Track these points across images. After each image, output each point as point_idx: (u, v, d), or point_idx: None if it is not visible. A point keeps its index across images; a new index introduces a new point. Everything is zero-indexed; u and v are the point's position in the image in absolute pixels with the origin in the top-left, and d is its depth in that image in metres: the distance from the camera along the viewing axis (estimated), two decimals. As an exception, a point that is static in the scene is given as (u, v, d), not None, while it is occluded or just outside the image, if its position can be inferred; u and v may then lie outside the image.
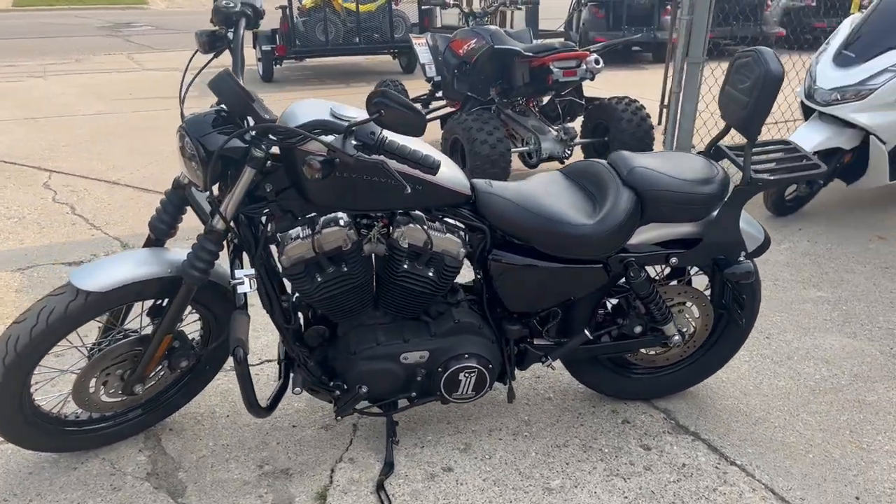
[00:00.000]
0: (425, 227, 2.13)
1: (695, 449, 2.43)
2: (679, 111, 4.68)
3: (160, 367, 2.29)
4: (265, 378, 2.84)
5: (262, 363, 2.95)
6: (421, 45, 5.98)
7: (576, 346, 2.38)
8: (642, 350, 2.53)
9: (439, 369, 2.26)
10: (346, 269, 2.15)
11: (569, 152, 5.18)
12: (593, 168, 2.36)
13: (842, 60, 4.21)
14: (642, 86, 8.57)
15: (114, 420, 2.40)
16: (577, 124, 5.52)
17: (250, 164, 1.94)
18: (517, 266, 2.23)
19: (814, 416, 2.60)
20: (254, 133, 1.90)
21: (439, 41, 5.94)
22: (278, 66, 10.22)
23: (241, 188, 1.97)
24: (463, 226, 2.22)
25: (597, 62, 4.98)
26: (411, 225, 2.12)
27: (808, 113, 4.50)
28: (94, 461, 2.37)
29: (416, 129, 1.78)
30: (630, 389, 2.64)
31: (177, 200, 2.20)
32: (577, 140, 5.23)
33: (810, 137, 4.21)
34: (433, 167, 1.85)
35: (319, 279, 2.12)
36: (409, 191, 1.84)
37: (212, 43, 2.14)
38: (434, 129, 6.83)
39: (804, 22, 12.55)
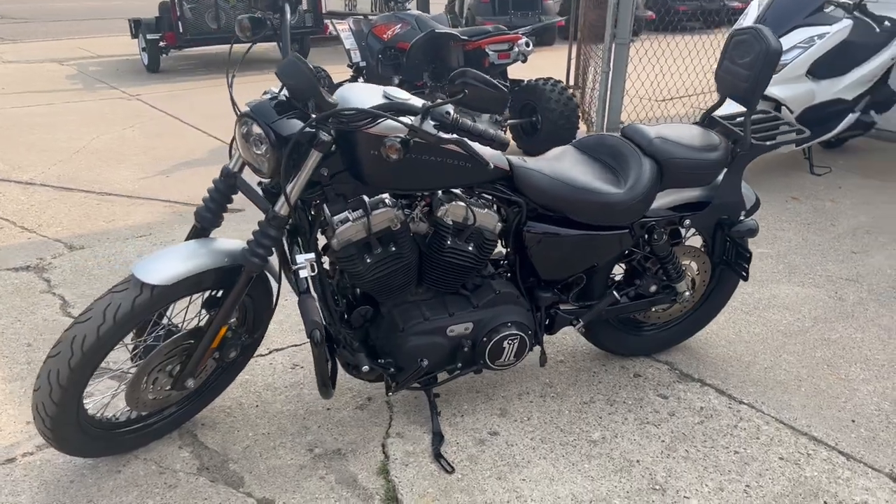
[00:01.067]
0: (468, 203, 2.23)
1: (705, 393, 2.68)
2: (609, 90, 4.96)
3: (211, 359, 2.26)
4: (280, 367, 2.83)
5: (270, 353, 2.93)
6: (344, 31, 5.96)
7: (604, 307, 2.56)
8: (651, 308, 2.74)
9: (483, 339, 2.37)
10: (394, 248, 2.21)
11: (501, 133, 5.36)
12: (608, 141, 2.53)
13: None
14: (537, 69, 8.89)
15: (152, 418, 2.34)
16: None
17: (318, 148, 1.96)
18: (551, 236, 2.37)
19: (793, 356, 2.92)
20: (343, 116, 1.92)
21: (363, 26, 5.94)
22: (165, 55, 9.77)
23: (306, 172, 1.99)
24: (499, 200, 2.33)
25: (527, 45, 5.18)
26: (455, 202, 2.21)
27: (723, 87, 4.89)
28: (135, 463, 2.30)
29: (500, 106, 1.87)
30: (636, 346, 2.86)
31: (225, 189, 2.17)
32: (509, 121, 5.42)
33: (729, 110, 4.59)
34: (504, 144, 1.95)
35: (369, 260, 2.18)
36: (491, 167, 1.93)
37: (255, 29, 2.14)
38: None
39: (669, 5, 13.39)
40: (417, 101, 2.00)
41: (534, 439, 2.43)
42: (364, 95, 2.08)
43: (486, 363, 2.41)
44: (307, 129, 1.92)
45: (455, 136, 1.92)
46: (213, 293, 2.19)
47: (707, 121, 2.68)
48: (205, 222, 2.19)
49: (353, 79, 6.24)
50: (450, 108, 1.96)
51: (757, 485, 2.22)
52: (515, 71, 6.21)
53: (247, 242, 2.10)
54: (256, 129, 1.96)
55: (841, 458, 2.34)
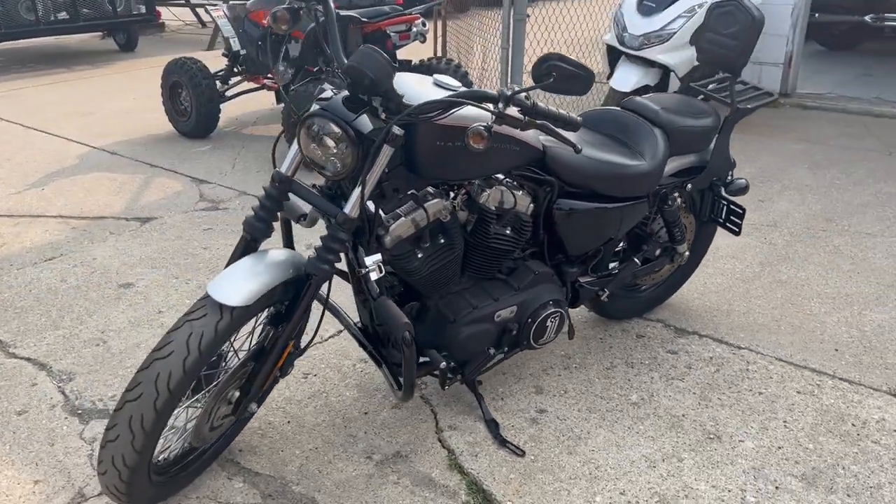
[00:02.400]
0: (509, 187, 2.24)
1: (706, 344, 2.88)
2: (510, 65, 5.07)
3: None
4: (292, 379, 2.69)
5: (275, 364, 2.77)
6: (221, 18, 5.61)
7: (628, 274, 2.67)
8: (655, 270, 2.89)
9: (528, 320, 2.39)
10: (444, 240, 2.18)
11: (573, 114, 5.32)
12: (612, 114, 2.62)
13: (644, 9, 4.93)
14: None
15: (197, 451, 2.15)
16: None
17: (391, 143, 1.88)
18: (581, 211, 2.43)
19: (760, 300, 3.21)
20: (427, 108, 1.84)
21: (239, 11, 5.61)
22: (-27, 52, 8.65)
23: (379, 169, 1.91)
24: (531, 181, 2.35)
25: (423, 24, 5.16)
26: (496, 187, 2.21)
27: (613, 57, 5.18)
28: (189, 502, 2.11)
29: (586, 87, 1.89)
30: (631, 309, 3.00)
31: (279, 195, 2.02)
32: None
33: (628, 79, 4.90)
34: (578, 125, 1.97)
35: (421, 255, 2.14)
36: (581, 150, 1.95)
37: (294, 19, 2.00)
38: (239, 107, 6.50)
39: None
40: (519, 87, 1.97)
41: (581, 410, 2.49)
42: (419, 86, 2.02)
43: (530, 344, 2.43)
44: (395, 123, 1.83)
45: (541, 120, 1.91)
46: (279, 308, 2.04)
47: (686, 89, 2.84)
48: (256, 233, 2.02)
49: (229, 68, 5.90)
50: (525, 92, 1.94)
51: (792, 419, 2.43)
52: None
53: (315, 249, 1.98)
54: (333, 128, 1.84)
55: (844, 384, 2.62)
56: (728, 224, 2.83)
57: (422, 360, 2.29)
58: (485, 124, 1.86)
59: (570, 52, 6.58)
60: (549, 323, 2.42)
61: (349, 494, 2.14)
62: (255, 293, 1.84)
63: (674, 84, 5.07)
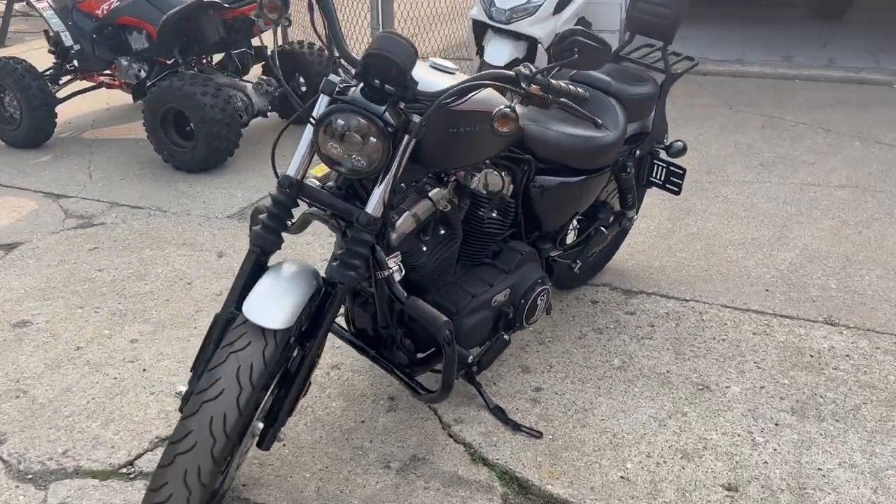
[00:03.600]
0: (494, 169, 2.21)
1: (657, 301, 3.02)
2: (381, 23, 4.95)
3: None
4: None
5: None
6: (46, 10, 4.95)
7: (597, 243, 2.72)
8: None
9: (521, 301, 2.37)
10: (443, 231, 2.13)
11: (269, 105, 5.03)
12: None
13: (510, -17, 5.00)
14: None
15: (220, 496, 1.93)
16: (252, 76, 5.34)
17: (413, 134, 1.77)
18: (556, 186, 2.44)
19: (683, 253, 3.41)
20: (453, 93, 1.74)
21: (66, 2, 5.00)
22: None
23: (401, 162, 1.80)
24: (510, 161, 2.33)
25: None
26: (485, 170, 2.17)
27: (479, 31, 5.22)
28: (215, 555, 1.89)
29: (604, 61, 1.87)
30: (578, 277, 3.08)
31: (289, 202, 1.83)
32: (278, 90, 5.10)
33: (501, 53, 4.97)
34: (587, 99, 1.96)
35: (426, 249, 2.08)
36: (602, 124, 1.94)
37: (285, 6, 1.81)
38: (72, 110, 5.84)
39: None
40: (543, 66, 1.90)
41: (574, 382, 2.53)
42: (424, 71, 1.92)
43: (522, 324, 2.42)
44: (431, 110, 1.71)
45: (562, 98, 1.87)
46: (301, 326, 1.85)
47: (616, 59, 2.92)
48: (267, 245, 1.83)
49: (59, 66, 5.25)
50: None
51: (760, 360, 2.62)
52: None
53: (336, 255, 1.82)
54: (361, 122, 1.69)
55: (787, 320, 2.86)
56: (668, 185, 2.96)
57: (419, 355, 2.22)
58: (510, 106, 1.80)
59: (436, 27, 6.56)
60: (539, 301, 2.41)
61: (383, 509, 2.02)
62: (294, 312, 1.67)
63: (540, 55, 5.20)
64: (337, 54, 1.87)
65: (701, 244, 3.48)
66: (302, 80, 5.23)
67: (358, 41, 5.79)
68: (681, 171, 2.90)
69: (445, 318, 1.86)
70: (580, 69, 1.91)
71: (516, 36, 5.06)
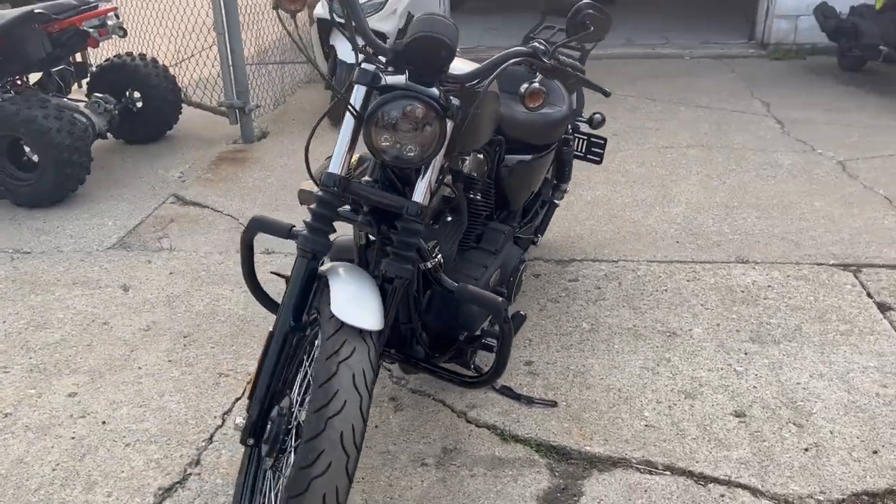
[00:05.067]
0: (485, 152, 2.25)
1: (591, 266, 3.21)
2: (229, 52, 4.70)
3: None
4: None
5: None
6: None
7: (550, 216, 2.82)
8: (544, 210, 3.09)
9: (511, 279, 2.43)
10: (450, 217, 2.14)
11: (108, 125, 4.60)
12: (510, 71, 2.71)
13: (353, -21, 4.95)
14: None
15: None
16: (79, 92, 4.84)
17: (452, 117, 1.76)
18: (523, 164, 2.52)
19: (591, 220, 3.64)
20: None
21: None
22: None
23: (444, 147, 1.78)
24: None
25: (117, 16, 4.50)
26: (477, 155, 2.21)
27: (325, 29, 5.13)
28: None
29: (607, 32, 1.96)
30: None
31: (335, 201, 1.73)
32: (116, 107, 4.66)
33: (351, 51, 4.92)
34: (584, 72, 2.05)
35: (438, 237, 2.07)
36: (610, 94, 2.02)
37: (306, -5, 1.70)
38: None
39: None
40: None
41: (559, 350, 2.62)
42: None
43: (511, 301, 2.47)
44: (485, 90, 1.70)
45: (577, 71, 1.94)
46: None
47: (527, 39, 3.04)
48: (318, 247, 1.71)
49: None
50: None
51: (705, 302, 2.89)
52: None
53: (388, 251, 1.75)
54: (419, 107, 1.64)
55: (707, 265, 3.17)
56: (589, 156, 3.15)
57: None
58: (537, 81, 1.84)
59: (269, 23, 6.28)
60: (522, 277, 2.48)
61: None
62: (381, 311, 1.59)
63: (390, 50, 5.23)
64: (362, 42, 1.79)
65: (601, 210, 3.73)
66: (137, 94, 4.82)
67: (201, 61, 5.44)
68: (602, 142, 3.10)
69: (502, 298, 1.85)
70: (589, 41, 1.99)
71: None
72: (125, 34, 4.48)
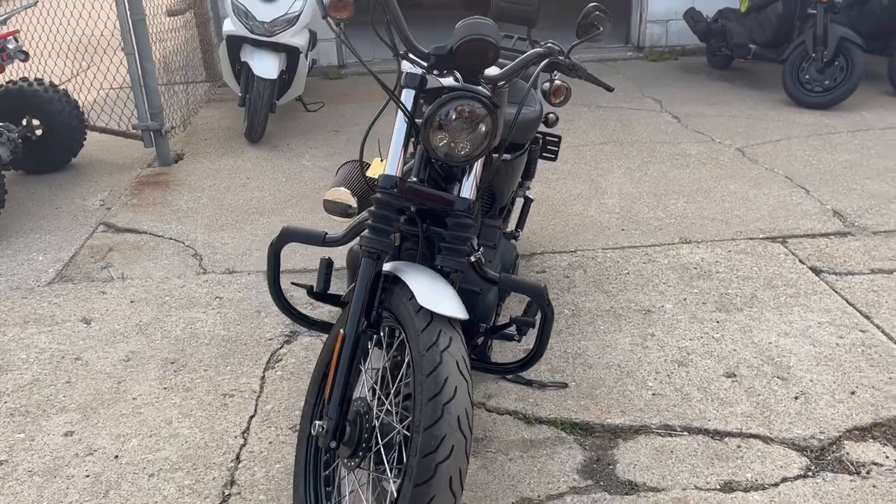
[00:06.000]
0: None
1: (553, 258, 3.38)
2: (140, 72, 4.53)
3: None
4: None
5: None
6: None
7: (527, 213, 2.96)
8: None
9: (509, 272, 2.55)
10: None
11: (11, 155, 4.31)
12: None
13: (264, -5, 4.92)
14: None
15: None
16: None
17: (494, 114, 1.86)
18: (510, 162, 2.65)
19: (539, 216, 3.82)
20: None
21: None
22: None
23: (493, 145, 1.88)
24: None
25: (17, 39, 4.24)
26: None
27: (235, 46, 5.05)
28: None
29: (608, 32, 2.12)
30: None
31: (394, 202, 1.77)
32: (20, 135, 4.38)
33: (271, 66, 4.90)
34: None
35: None
36: (613, 89, 2.18)
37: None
38: None
39: None
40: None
41: (551, 336, 2.75)
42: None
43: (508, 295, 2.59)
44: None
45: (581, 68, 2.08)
46: None
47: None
48: (383, 247, 1.75)
49: None
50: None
51: (665, 281, 3.13)
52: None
53: (440, 247, 1.82)
54: (478, 107, 1.72)
55: (655, 247, 3.43)
56: (545, 154, 3.31)
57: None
58: (558, 77, 1.97)
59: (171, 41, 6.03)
60: (518, 271, 2.60)
61: (486, 492, 2.07)
62: (460, 300, 1.66)
63: (303, 64, 5.21)
64: (407, 49, 1.84)
65: (544, 206, 3.92)
66: (36, 122, 4.55)
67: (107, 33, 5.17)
68: (557, 139, 3.27)
69: (543, 284, 1.96)
70: (599, 40, 2.13)
71: (274, 47, 5.01)
72: (27, 58, 4.21)
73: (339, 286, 2.62)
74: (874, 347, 2.62)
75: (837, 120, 5.17)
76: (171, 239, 3.69)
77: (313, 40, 5.72)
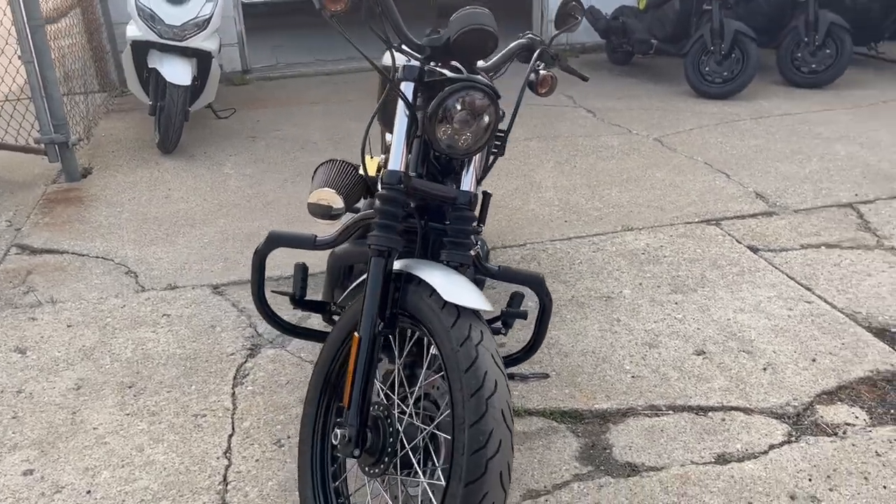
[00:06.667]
0: None
1: (506, 252, 3.40)
2: (41, 83, 4.21)
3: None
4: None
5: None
6: None
7: (487, 208, 2.95)
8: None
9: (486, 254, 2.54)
10: None
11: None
12: None
13: (170, -2, 4.69)
14: None
15: None
16: None
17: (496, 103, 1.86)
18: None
19: (498, 212, 3.83)
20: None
21: None
22: None
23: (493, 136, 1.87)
24: None
25: None
26: None
27: (139, 50, 4.79)
28: None
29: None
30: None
31: (401, 198, 1.73)
32: None
33: (184, 72, 4.67)
34: (554, 60, 2.23)
35: None
36: (588, 78, 2.20)
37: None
38: None
39: None
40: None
41: (521, 329, 2.77)
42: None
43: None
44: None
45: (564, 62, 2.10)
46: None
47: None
48: (393, 244, 1.70)
49: None
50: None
51: (619, 268, 3.21)
52: None
53: (445, 241, 1.80)
54: (482, 98, 1.70)
55: (602, 236, 3.51)
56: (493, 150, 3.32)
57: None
58: (542, 67, 1.98)
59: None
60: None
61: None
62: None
63: (215, 69, 5.01)
64: (401, 40, 1.79)
65: (503, 202, 3.94)
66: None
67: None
68: (503, 134, 3.28)
69: (541, 274, 1.96)
70: (573, 31, 2.14)
71: (184, 51, 4.79)
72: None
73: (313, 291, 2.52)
74: (822, 316, 2.78)
75: (739, 108, 5.48)
76: (97, 257, 3.45)
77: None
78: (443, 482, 1.57)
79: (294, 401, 2.40)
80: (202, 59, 4.94)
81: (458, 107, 1.69)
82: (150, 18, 4.64)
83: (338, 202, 2.10)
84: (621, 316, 2.83)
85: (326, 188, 2.11)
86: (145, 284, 3.19)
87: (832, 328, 2.70)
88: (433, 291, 1.60)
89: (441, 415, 1.62)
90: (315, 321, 2.74)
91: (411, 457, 1.61)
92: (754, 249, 3.32)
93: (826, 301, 2.88)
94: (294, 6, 8.96)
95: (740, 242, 3.39)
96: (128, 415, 2.36)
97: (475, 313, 1.58)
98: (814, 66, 5.85)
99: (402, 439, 1.63)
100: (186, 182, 4.37)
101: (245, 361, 2.62)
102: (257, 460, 2.16)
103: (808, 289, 2.97)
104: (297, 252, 2.30)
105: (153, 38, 4.65)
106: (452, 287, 1.58)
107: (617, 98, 5.91)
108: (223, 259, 3.39)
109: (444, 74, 1.73)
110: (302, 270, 2.12)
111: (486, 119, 1.73)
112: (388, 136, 2.59)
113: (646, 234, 3.50)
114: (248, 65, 6.96)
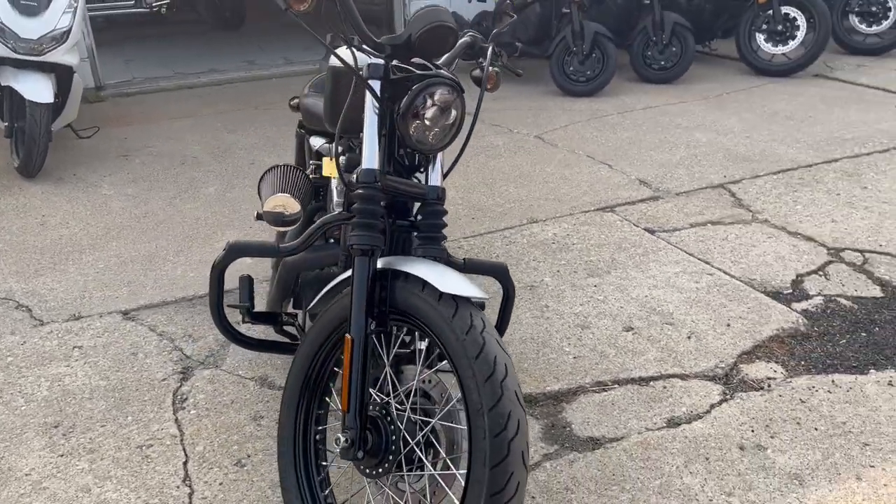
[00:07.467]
0: None
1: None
2: None
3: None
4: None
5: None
6: None
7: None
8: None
9: None
10: None
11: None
12: None
13: (24, 9, 4.33)
14: None
15: None
16: None
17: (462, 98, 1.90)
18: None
19: (456, 206, 3.84)
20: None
21: None
22: None
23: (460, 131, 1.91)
24: None
25: None
26: None
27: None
28: None
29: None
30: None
31: (379, 196, 1.73)
32: None
33: (45, 89, 4.34)
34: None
35: None
36: (522, 73, 2.28)
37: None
38: None
39: None
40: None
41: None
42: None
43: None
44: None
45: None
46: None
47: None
48: (376, 242, 1.69)
49: None
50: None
51: (524, 257, 3.34)
52: None
53: (416, 238, 1.82)
54: (449, 93, 1.73)
55: (512, 229, 3.63)
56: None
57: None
58: (486, 63, 2.04)
59: None
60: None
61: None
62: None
63: (77, 84, 4.69)
64: (358, 39, 1.77)
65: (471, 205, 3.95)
66: None
67: None
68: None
69: (505, 264, 2.02)
70: (507, 27, 2.20)
71: (41, 66, 4.45)
72: None
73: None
74: (725, 286, 3.03)
75: (605, 104, 5.82)
76: (-22, 293, 3.14)
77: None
78: (453, 471, 1.59)
79: (245, 419, 2.32)
80: (62, 75, 4.60)
81: (429, 102, 1.71)
82: (0, 33, 4.26)
83: (295, 206, 2.05)
84: (549, 302, 2.94)
85: (280, 194, 2.05)
86: (43, 318, 2.94)
87: (736, 295, 2.95)
88: (425, 285, 1.60)
89: (446, 406, 1.63)
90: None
91: (417, 451, 1.61)
92: (651, 231, 3.55)
93: (725, 272, 3.14)
94: (143, 17, 8.54)
95: (637, 226, 3.61)
96: (61, 456, 2.18)
97: (470, 301, 1.61)
98: (663, 62, 6.32)
99: (403, 436, 1.63)
100: (61, 207, 4.06)
101: (180, 385, 2.49)
102: (221, 484, 2.06)
103: (707, 262, 3.23)
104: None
105: (7, 53, 4.27)
106: (445, 278, 1.60)
107: (491, 99, 6.07)
108: (126, 283, 3.18)
109: (411, 71, 1.74)
110: (248, 282, 2.06)
111: (454, 113, 1.76)
112: (315, 140, 2.56)
113: (551, 225, 3.65)
114: (102, 81, 6.53)
